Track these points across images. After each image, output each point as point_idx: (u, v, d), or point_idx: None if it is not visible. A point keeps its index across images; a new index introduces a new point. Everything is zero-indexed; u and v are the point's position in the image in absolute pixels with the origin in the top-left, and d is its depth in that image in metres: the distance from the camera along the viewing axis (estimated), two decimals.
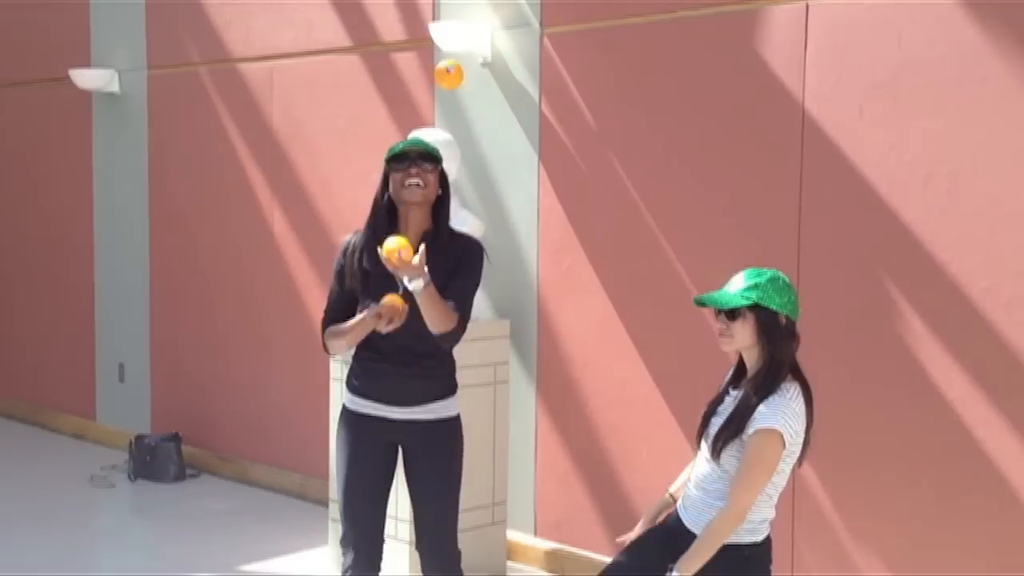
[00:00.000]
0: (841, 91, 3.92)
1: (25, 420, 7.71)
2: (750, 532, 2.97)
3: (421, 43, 5.19)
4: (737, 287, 2.99)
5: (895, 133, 3.80)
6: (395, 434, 3.31)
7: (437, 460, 3.34)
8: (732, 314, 2.97)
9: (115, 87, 6.79)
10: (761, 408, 2.90)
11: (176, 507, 5.84)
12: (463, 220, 4.66)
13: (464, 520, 4.65)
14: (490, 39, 4.91)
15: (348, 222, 5.61)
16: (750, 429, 2.90)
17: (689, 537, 2.99)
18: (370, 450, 3.32)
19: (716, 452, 2.95)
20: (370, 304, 3.15)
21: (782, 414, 2.89)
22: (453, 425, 3.38)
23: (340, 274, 3.31)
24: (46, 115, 7.44)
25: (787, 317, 2.96)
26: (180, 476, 6.25)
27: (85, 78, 6.75)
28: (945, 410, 3.73)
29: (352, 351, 3.33)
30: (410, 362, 3.25)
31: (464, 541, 4.62)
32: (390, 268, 3.04)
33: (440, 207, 3.29)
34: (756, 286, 2.96)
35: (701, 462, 3.06)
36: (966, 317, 3.67)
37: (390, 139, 5.33)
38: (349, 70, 5.58)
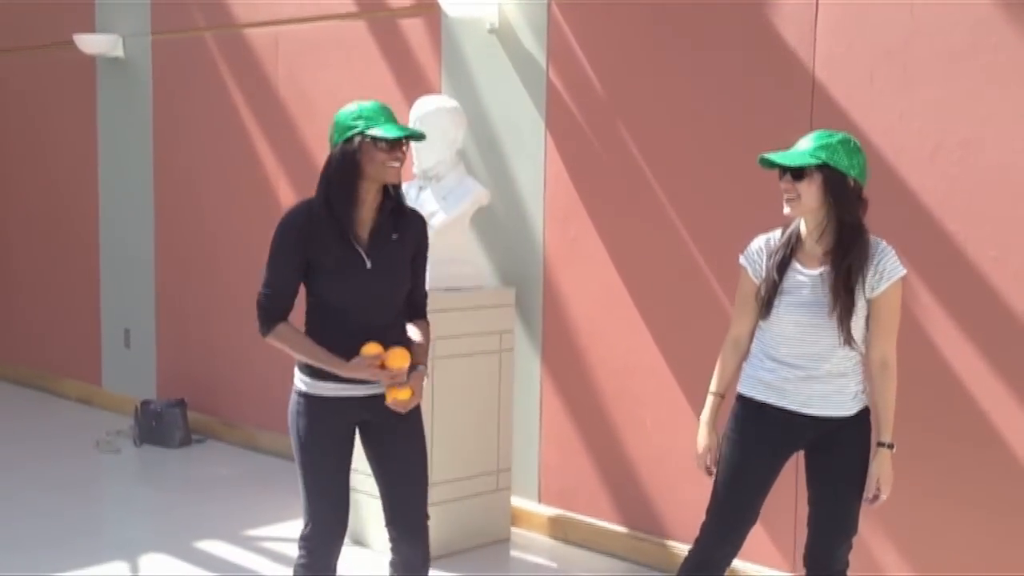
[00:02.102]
0: (852, 58, 3.89)
1: (31, 386, 7.73)
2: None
3: (428, 9, 5.15)
4: (807, 147, 2.97)
5: (905, 101, 3.77)
6: (357, 412, 3.17)
7: (410, 435, 3.22)
8: (799, 175, 2.94)
9: (119, 52, 6.75)
10: (880, 264, 2.96)
11: (181, 473, 5.87)
12: (468, 188, 4.64)
13: (468, 487, 4.69)
14: (497, 5, 4.86)
15: None
16: (881, 286, 2.96)
17: (817, 423, 3.05)
18: (333, 431, 3.18)
19: (848, 336, 2.97)
20: (327, 281, 3.05)
21: (897, 257, 2.99)
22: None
23: (293, 249, 3.05)
24: (50, 80, 7.42)
25: (855, 180, 2.97)
26: (186, 442, 6.28)
27: (89, 43, 6.71)
28: (952, 380, 3.72)
29: (312, 327, 3.16)
30: (372, 336, 3.08)
31: (469, 507, 4.68)
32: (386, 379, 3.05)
33: None
34: (826, 146, 2.95)
35: (805, 347, 3.02)
36: (975, 286, 3.66)
37: (397, 106, 5.29)
38: (355, 36, 5.54)
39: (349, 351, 3.07)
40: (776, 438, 3.11)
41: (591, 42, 4.64)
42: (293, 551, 4.85)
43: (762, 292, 3.07)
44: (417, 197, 4.66)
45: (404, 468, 3.23)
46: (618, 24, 4.55)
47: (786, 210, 3.01)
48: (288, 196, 5.94)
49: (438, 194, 4.61)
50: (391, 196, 3.13)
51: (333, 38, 5.65)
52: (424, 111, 4.58)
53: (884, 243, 3.03)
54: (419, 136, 3.08)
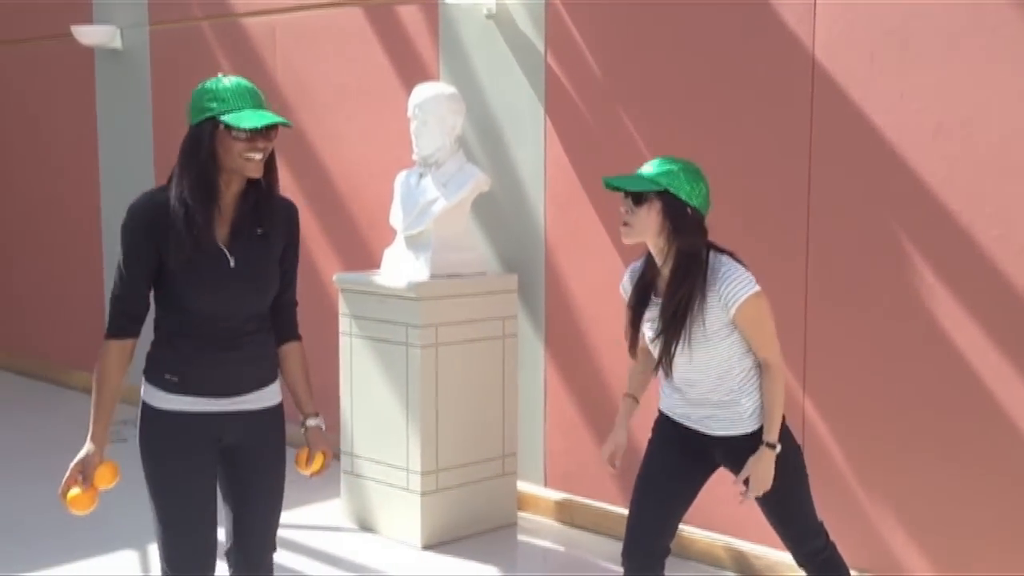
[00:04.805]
0: (852, 39, 3.88)
1: (36, 376, 7.75)
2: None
3: None
4: (649, 172, 2.92)
5: (906, 81, 3.76)
6: (219, 429, 2.83)
7: (268, 461, 2.91)
8: (639, 200, 2.90)
9: (117, 43, 6.74)
10: (722, 290, 2.86)
11: None
12: (469, 174, 4.64)
13: (475, 472, 4.71)
14: None
15: (353, 176, 5.61)
16: (731, 311, 2.86)
17: (719, 441, 3.02)
18: (194, 456, 2.84)
19: (667, 365, 2.95)
20: (183, 283, 2.68)
21: (742, 277, 2.87)
22: (279, 413, 2.98)
23: (143, 248, 2.66)
24: (49, 72, 7.40)
25: (695, 209, 2.89)
26: None
27: (87, 34, 6.70)
28: (956, 359, 3.72)
29: (166, 334, 2.82)
30: (235, 345, 2.77)
31: (475, 492, 4.70)
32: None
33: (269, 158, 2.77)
34: (668, 172, 2.90)
35: (686, 375, 2.99)
36: (978, 266, 3.66)
37: (395, 93, 5.30)
38: (352, 24, 5.53)
39: (211, 363, 2.74)
40: (685, 445, 3.09)
41: (589, 27, 4.63)
42: (298, 537, 4.89)
43: (625, 324, 3.07)
44: (417, 184, 4.66)
45: (257, 484, 2.88)
46: (616, 8, 4.54)
47: (623, 238, 2.97)
48: (288, 185, 5.93)
49: (438, 181, 4.61)
50: (258, 184, 2.76)
51: (330, 26, 5.63)
52: (422, 98, 4.57)
53: (730, 264, 2.91)
54: (284, 123, 2.67)
